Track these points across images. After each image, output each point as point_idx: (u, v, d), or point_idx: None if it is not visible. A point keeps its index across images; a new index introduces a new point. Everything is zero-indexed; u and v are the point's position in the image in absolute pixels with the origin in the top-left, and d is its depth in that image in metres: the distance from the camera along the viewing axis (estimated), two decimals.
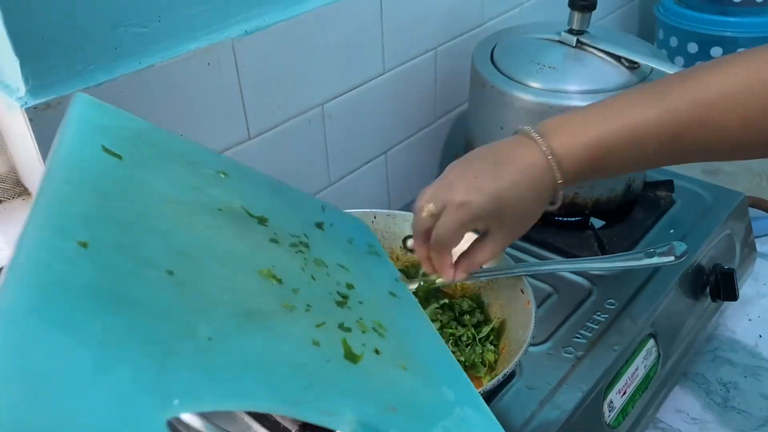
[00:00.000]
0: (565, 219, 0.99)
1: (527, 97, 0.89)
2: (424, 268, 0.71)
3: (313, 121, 0.90)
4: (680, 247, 0.69)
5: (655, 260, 0.69)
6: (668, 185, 1.05)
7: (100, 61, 0.66)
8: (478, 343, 0.73)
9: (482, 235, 0.67)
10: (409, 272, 0.83)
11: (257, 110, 0.82)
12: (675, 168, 1.13)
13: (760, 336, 1.06)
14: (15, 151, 0.71)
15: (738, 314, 1.10)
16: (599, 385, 0.77)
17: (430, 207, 0.63)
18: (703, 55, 1.41)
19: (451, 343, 0.73)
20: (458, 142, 1.18)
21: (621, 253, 0.74)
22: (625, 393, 0.82)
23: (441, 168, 1.19)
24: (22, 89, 0.62)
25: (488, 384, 0.59)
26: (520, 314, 0.71)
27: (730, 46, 1.38)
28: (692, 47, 1.42)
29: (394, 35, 0.96)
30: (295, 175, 0.91)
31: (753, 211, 1.12)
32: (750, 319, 1.09)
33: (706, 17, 1.38)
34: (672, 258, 0.68)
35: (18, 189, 0.74)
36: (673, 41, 1.45)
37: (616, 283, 0.90)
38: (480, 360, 0.72)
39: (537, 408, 0.73)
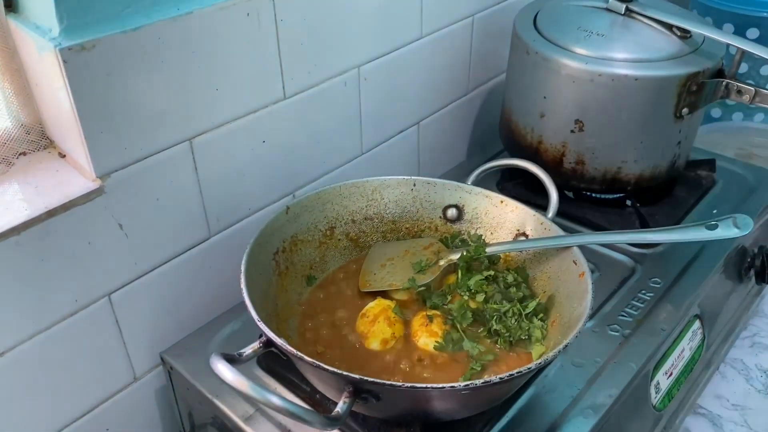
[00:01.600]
0: (604, 196, 0.96)
1: (574, 64, 0.85)
2: None
3: (349, 83, 0.86)
4: (744, 220, 0.65)
5: (718, 232, 0.65)
6: (711, 164, 1.01)
7: (138, 3, 0.62)
8: (525, 319, 0.69)
9: None
10: (448, 242, 0.80)
11: (294, 68, 0.78)
12: (712, 150, 1.09)
13: None
14: (43, 100, 0.67)
15: None
16: (648, 365, 0.74)
17: None
18: (739, 36, 1.36)
19: (496, 320, 0.69)
20: (490, 117, 1.14)
21: (677, 226, 0.70)
22: (671, 375, 0.78)
23: (471, 143, 1.15)
24: (56, 29, 0.58)
25: (549, 354, 0.55)
26: (571, 286, 0.67)
27: (767, 27, 1.34)
28: (728, 28, 1.37)
29: None
30: (329, 141, 0.87)
31: None
32: None
33: None
34: (736, 230, 0.64)
35: (44, 141, 0.70)
36: (708, 21, 1.40)
37: (660, 262, 0.86)
38: (527, 336, 0.68)
39: (584, 387, 0.70)
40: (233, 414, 0.68)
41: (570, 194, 0.97)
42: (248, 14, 0.70)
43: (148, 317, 0.75)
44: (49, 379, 0.69)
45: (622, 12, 0.89)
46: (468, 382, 0.51)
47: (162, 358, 0.75)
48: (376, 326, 0.67)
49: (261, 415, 0.67)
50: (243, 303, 0.80)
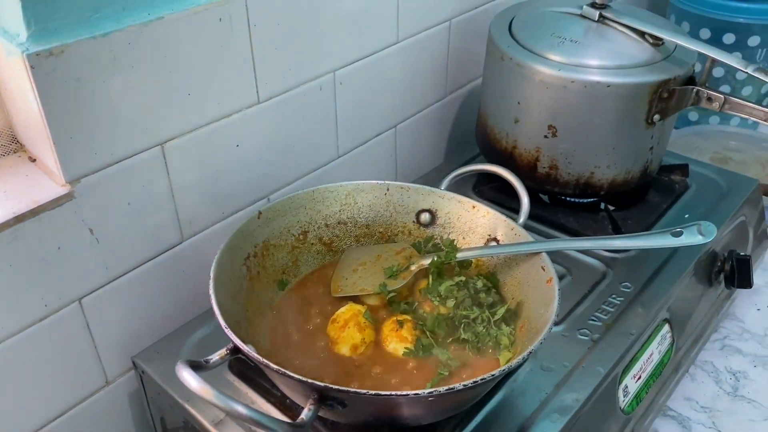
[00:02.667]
0: (578, 201, 0.97)
1: (548, 71, 0.85)
2: None
3: (325, 87, 0.86)
4: (708, 227, 0.67)
5: (683, 239, 0.66)
6: (684, 169, 1.02)
7: (107, 8, 0.62)
8: (493, 326, 0.70)
9: None
10: (420, 247, 0.80)
11: (268, 73, 0.78)
12: (687, 155, 1.11)
13: None
14: (12, 104, 0.66)
15: (747, 304, 1.08)
16: (615, 369, 0.75)
17: None
18: (716, 41, 1.38)
19: (464, 327, 0.69)
20: (467, 121, 1.14)
21: (644, 233, 0.71)
22: (639, 378, 0.79)
23: (449, 146, 1.16)
24: (24, 34, 0.58)
25: (513, 362, 0.56)
26: (540, 292, 0.68)
27: (743, 32, 1.36)
28: (704, 33, 1.39)
29: (409, 3, 0.92)
30: (304, 145, 0.87)
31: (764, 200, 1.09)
32: (759, 309, 1.08)
33: (720, 2, 1.35)
34: (700, 237, 0.65)
35: (13, 145, 0.70)
36: (685, 26, 1.42)
37: (631, 267, 0.87)
38: (494, 342, 0.69)
39: (553, 390, 0.71)
40: (203, 419, 0.68)
41: (545, 198, 0.98)
42: (221, 19, 0.70)
43: (119, 322, 0.75)
44: (18, 383, 0.68)
45: (596, 19, 0.90)
46: (432, 389, 0.52)
47: (134, 363, 0.75)
48: (346, 332, 0.68)
49: (230, 420, 0.67)
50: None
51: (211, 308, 0.80)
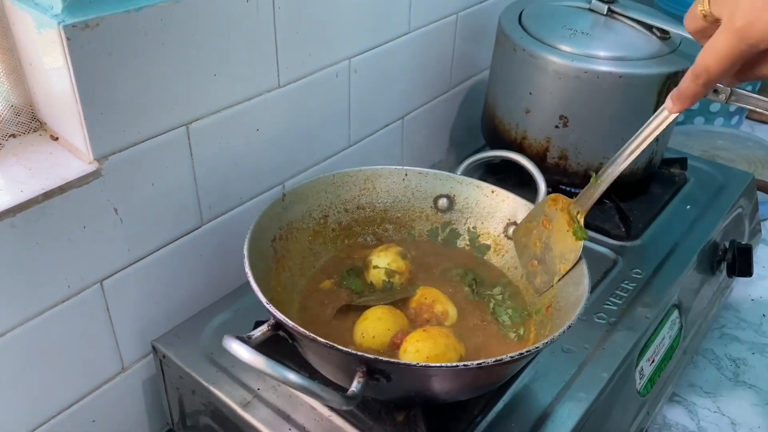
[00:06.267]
0: None
1: (560, 61, 0.87)
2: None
3: (340, 74, 0.86)
4: None
5: None
6: (682, 163, 1.05)
7: None
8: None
9: None
10: (438, 232, 0.81)
11: (289, 57, 0.78)
12: (682, 149, 1.14)
13: (764, 315, 1.08)
14: (36, 81, 0.65)
15: (742, 294, 1.11)
16: (633, 351, 0.76)
17: (704, 5, 0.52)
18: None
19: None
20: (471, 114, 1.16)
21: None
22: (653, 361, 0.81)
23: (452, 138, 1.17)
24: (58, 5, 0.57)
25: (556, 334, 0.56)
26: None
27: None
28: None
29: None
30: (318, 132, 0.87)
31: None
32: (753, 300, 1.11)
33: None
34: None
35: (34, 124, 0.68)
36: None
37: (640, 255, 0.89)
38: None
39: (577, 371, 0.72)
40: (230, 401, 0.67)
41: (550, 190, 0.99)
42: (248, 0, 0.70)
43: (138, 306, 0.74)
44: (36, 368, 0.67)
45: (605, 12, 0.92)
46: (481, 361, 0.52)
47: (153, 347, 0.74)
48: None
49: (259, 402, 0.67)
50: (232, 293, 0.81)
51: (230, 294, 0.81)
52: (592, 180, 0.70)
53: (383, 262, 0.73)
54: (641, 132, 0.66)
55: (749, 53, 0.50)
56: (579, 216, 0.71)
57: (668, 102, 0.61)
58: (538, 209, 0.75)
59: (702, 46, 0.54)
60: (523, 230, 0.76)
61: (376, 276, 0.73)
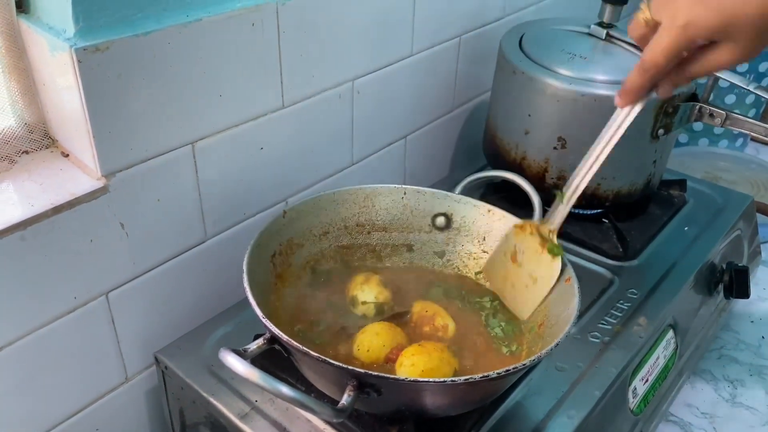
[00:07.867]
0: (583, 212, 1.00)
1: (559, 84, 0.89)
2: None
3: (344, 95, 0.89)
4: None
5: None
6: (681, 184, 1.07)
7: (149, 8, 0.64)
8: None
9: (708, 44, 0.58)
10: (435, 249, 0.83)
11: (293, 78, 0.80)
12: (684, 171, 1.15)
13: (763, 337, 1.08)
14: (49, 100, 0.68)
15: (741, 316, 1.12)
16: (626, 370, 0.77)
17: (645, 13, 0.59)
18: None
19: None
20: (473, 134, 1.18)
21: None
22: (647, 381, 0.82)
23: (454, 158, 1.19)
24: (71, 30, 0.60)
25: (543, 351, 0.58)
26: (559, 290, 0.70)
27: None
28: None
29: (424, 17, 0.95)
30: (321, 151, 0.90)
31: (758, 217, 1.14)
32: (752, 321, 1.11)
33: None
34: None
35: (46, 141, 0.71)
36: None
37: (636, 275, 0.90)
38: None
39: (569, 389, 0.73)
40: (229, 412, 0.69)
41: (546, 209, 1.01)
42: (253, 24, 0.73)
43: (142, 318, 0.76)
44: (42, 376, 0.69)
45: (603, 37, 0.94)
46: (468, 377, 0.53)
47: (156, 358, 0.76)
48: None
49: (256, 413, 0.69)
50: (234, 307, 0.83)
51: (231, 307, 0.83)
52: (557, 197, 0.71)
53: (370, 296, 0.75)
54: (602, 137, 0.69)
55: (688, 47, 0.58)
56: (551, 234, 0.72)
57: (616, 98, 0.66)
58: (505, 242, 0.77)
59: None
60: (494, 266, 0.78)
61: (367, 310, 0.75)
